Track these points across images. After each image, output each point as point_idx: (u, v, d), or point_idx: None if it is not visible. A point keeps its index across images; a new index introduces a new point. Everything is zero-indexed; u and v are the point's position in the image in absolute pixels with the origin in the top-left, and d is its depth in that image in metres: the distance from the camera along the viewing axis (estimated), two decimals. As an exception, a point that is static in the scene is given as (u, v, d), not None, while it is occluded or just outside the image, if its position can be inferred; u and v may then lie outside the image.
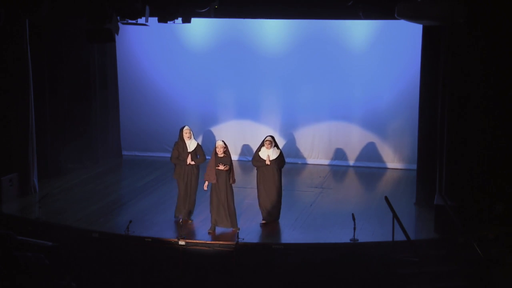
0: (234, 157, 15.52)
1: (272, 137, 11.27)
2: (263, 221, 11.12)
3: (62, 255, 9.73)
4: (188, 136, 11.33)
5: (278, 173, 11.09)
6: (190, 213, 11.31)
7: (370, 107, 14.97)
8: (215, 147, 10.81)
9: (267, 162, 10.98)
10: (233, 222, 10.81)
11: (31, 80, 12.68)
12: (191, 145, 11.33)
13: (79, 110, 14.76)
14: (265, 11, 12.90)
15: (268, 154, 11.04)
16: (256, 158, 11.10)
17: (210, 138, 15.50)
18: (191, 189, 11.27)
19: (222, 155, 10.75)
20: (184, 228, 10.75)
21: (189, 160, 11.23)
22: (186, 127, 11.44)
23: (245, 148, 15.64)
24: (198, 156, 11.35)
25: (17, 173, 12.58)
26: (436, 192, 11.49)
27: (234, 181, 10.90)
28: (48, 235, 10.56)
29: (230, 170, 10.78)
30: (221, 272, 10.28)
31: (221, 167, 10.66)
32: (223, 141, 10.92)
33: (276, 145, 11.19)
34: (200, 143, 11.65)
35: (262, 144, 11.13)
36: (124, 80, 15.86)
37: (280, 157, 11.12)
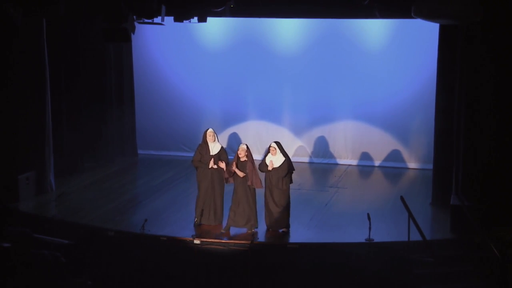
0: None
1: (277, 143, 10.85)
2: (269, 230, 10.85)
3: (78, 253, 9.78)
4: (211, 139, 11.02)
5: (284, 181, 10.72)
6: (216, 217, 11.08)
7: (386, 106, 14.91)
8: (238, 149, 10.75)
9: (269, 169, 10.71)
10: (251, 223, 10.75)
11: (48, 78, 12.76)
12: (214, 148, 11.03)
13: (95, 108, 14.83)
14: (281, 10, 12.89)
15: (272, 160, 10.74)
16: (262, 163, 10.82)
17: (224, 137, 15.53)
18: (215, 193, 11.01)
19: (243, 159, 10.69)
20: (200, 227, 10.79)
21: (211, 164, 10.94)
22: (210, 130, 11.13)
23: (261, 148, 15.63)
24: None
25: (34, 171, 12.67)
26: (452, 192, 11.42)
27: (256, 185, 10.64)
28: (64, 233, 10.63)
29: (250, 174, 10.61)
30: (236, 271, 10.28)
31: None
32: (246, 144, 10.82)
33: (283, 152, 10.79)
34: (224, 146, 11.34)
35: (268, 150, 10.90)
36: (139, 79, 15.92)
37: (283, 165, 10.69)
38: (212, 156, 10.99)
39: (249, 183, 10.66)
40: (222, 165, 10.86)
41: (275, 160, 10.74)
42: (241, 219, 10.74)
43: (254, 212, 10.77)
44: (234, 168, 10.64)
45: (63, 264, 8.44)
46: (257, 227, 10.65)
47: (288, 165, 10.75)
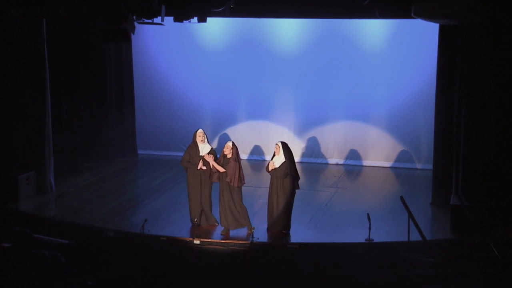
0: (248, 156, 15.58)
1: (283, 143, 10.73)
2: (269, 230, 10.81)
3: (78, 254, 9.79)
4: (201, 139, 10.98)
5: (285, 183, 10.59)
6: (209, 216, 11.10)
7: (386, 106, 14.91)
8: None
9: (269, 169, 10.65)
10: (242, 222, 10.73)
11: (47, 78, 12.76)
12: (204, 149, 10.96)
13: (95, 109, 14.85)
14: (281, 11, 12.88)
15: (274, 160, 10.67)
16: (269, 162, 10.79)
17: (224, 139, 15.52)
18: (202, 194, 10.97)
19: (228, 156, 10.67)
20: (199, 227, 10.79)
21: (200, 165, 10.91)
22: (199, 130, 11.10)
23: (259, 148, 15.64)
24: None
25: (34, 171, 12.67)
26: (452, 192, 11.42)
27: (234, 184, 10.53)
28: (64, 233, 10.63)
29: (231, 171, 10.54)
30: (236, 271, 10.29)
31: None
32: (232, 142, 10.80)
33: (285, 153, 10.63)
34: (214, 147, 11.28)
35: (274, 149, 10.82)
36: (139, 79, 15.92)
37: (281, 167, 10.56)
38: (201, 157, 10.93)
39: (227, 179, 10.60)
40: (207, 157, 10.82)
41: (277, 160, 10.68)
42: (233, 221, 10.69)
43: (245, 212, 10.73)
44: (210, 159, 10.63)
45: (63, 264, 8.44)
46: (254, 228, 10.60)
47: (287, 168, 10.60)
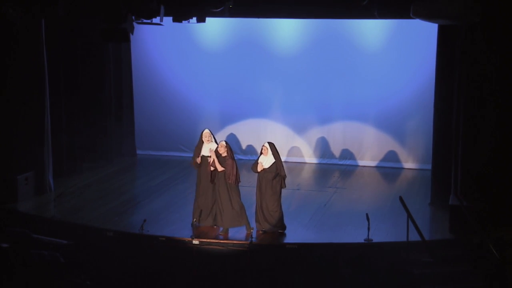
0: (247, 156, 15.57)
1: (270, 143, 10.76)
2: (261, 231, 10.75)
3: (77, 254, 9.78)
4: (207, 139, 10.98)
5: (275, 183, 10.60)
6: (213, 218, 11.03)
7: (385, 106, 14.92)
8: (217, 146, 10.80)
9: (258, 169, 10.67)
10: (240, 220, 10.69)
11: (47, 79, 12.76)
12: (210, 149, 10.96)
13: (94, 109, 14.84)
14: (280, 11, 12.90)
15: (261, 161, 10.68)
16: (255, 162, 10.78)
17: (223, 137, 15.52)
18: (212, 194, 10.94)
19: (223, 155, 10.69)
20: (198, 227, 10.78)
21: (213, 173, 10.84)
22: (206, 131, 11.09)
23: (258, 148, 15.62)
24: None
25: (33, 171, 12.66)
26: (451, 193, 11.43)
27: (232, 181, 10.57)
28: (63, 233, 10.63)
29: (229, 168, 10.55)
30: (235, 271, 10.28)
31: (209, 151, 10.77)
32: (225, 141, 10.82)
33: (274, 154, 10.66)
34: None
35: (261, 150, 10.83)
36: (138, 79, 15.92)
37: (272, 167, 10.59)
38: (209, 157, 10.91)
39: (228, 180, 10.58)
40: (211, 152, 10.83)
41: (265, 161, 10.68)
42: (230, 218, 10.67)
43: (243, 210, 10.71)
44: (213, 154, 10.61)
45: (62, 265, 8.45)
46: (253, 228, 10.59)
47: (277, 168, 10.62)
